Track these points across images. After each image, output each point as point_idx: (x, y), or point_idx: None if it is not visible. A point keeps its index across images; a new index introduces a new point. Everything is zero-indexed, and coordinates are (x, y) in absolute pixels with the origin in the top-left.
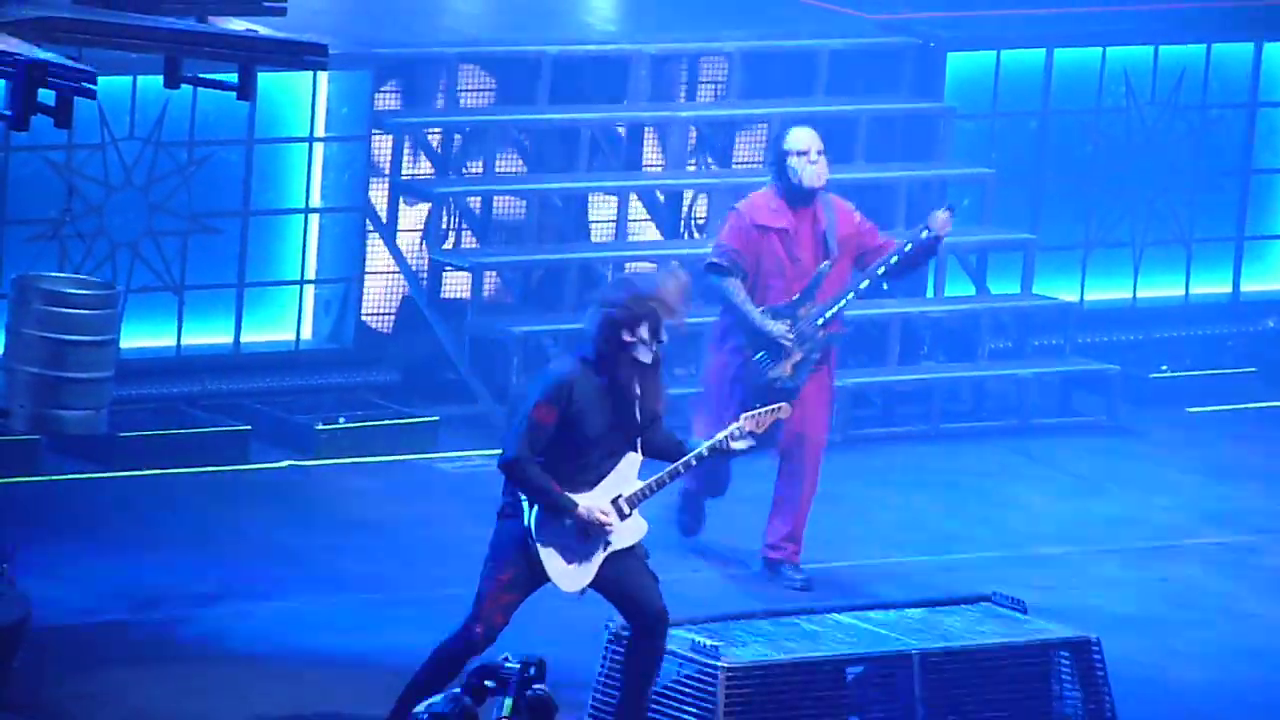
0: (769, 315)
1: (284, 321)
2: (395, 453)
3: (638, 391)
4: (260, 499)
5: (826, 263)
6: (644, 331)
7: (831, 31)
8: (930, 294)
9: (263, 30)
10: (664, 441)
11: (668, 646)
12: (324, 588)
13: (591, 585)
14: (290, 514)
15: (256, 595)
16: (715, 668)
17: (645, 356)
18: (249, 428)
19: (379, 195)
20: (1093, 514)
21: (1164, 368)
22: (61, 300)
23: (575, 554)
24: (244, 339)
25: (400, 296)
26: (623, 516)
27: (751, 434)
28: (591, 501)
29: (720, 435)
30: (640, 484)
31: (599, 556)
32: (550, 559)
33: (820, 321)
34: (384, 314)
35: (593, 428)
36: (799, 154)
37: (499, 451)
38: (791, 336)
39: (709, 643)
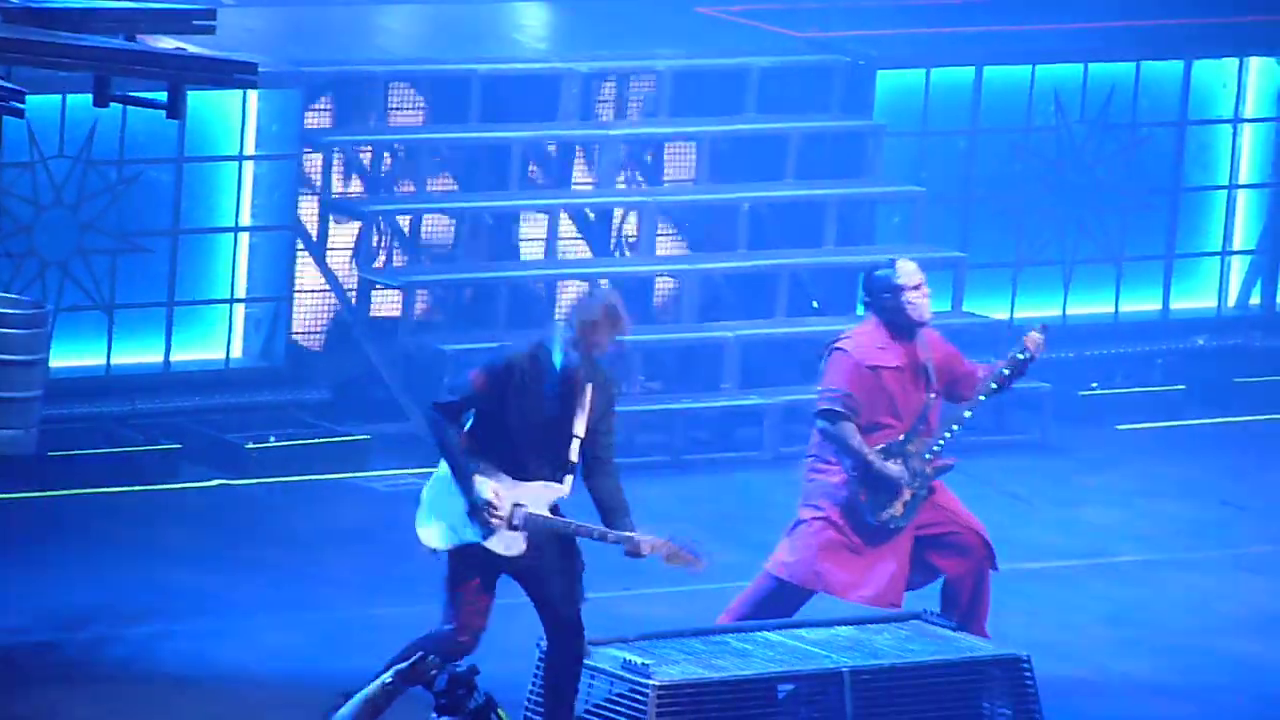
0: (882, 455)
1: (214, 340)
2: (326, 471)
3: (580, 427)
4: (191, 518)
5: (932, 395)
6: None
7: (761, 49)
8: (860, 311)
9: (192, 49)
10: (609, 495)
11: (599, 665)
12: (254, 607)
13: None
14: (221, 533)
15: (186, 614)
16: (647, 686)
17: (585, 378)
18: (179, 447)
19: (309, 214)
20: (1023, 532)
21: (1094, 385)
22: None
23: (451, 514)
24: (174, 358)
25: (331, 315)
26: (511, 526)
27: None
28: (497, 485)
29: (642, 541)
30: (548, 514)
31: (468, 536)
32: (427, 523)
33: (928, 456)
34: (315, 332)
35: (524, 417)
36: (914, 288)
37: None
38: (909, 480)
39: (640, 661)
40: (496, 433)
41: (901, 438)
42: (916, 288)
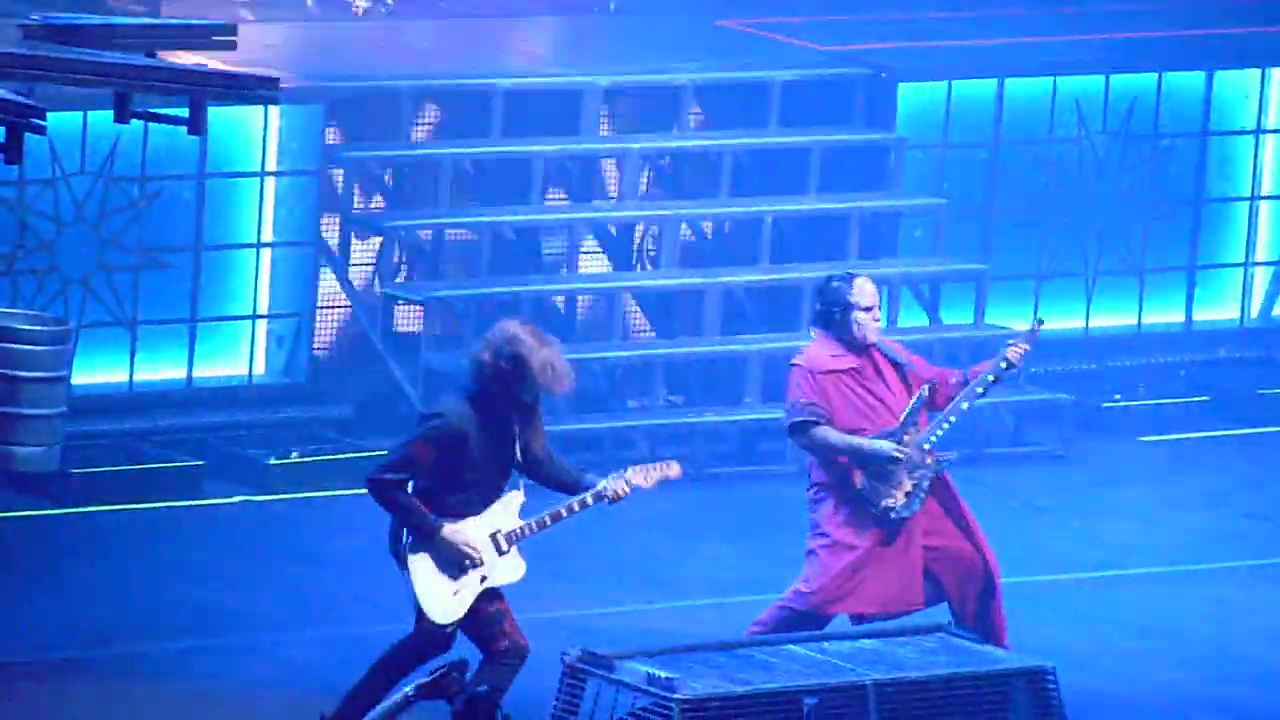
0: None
1: (236, 356)
2: (349, 487)
3: (517, 430)
4: (213, 534)
5: (926, 387)
6: (528, 382)
7: (783, 63)
8: (883, 324)
9: (213, 65)
10: (561, 473)
11: (623, 679)
12: (276, 623)
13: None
14: (243, 550)
15: (209, 630)
16: (671, 700)
17: (527, 397)
18: (202, 463)
19: (331, 229)
20: (1046, 543)
21: (1117, 397)
22: (13, 336)
23: (448, 586)
24: (196, 374)
25: (353, 330)
26: (500, 552)
27: (638, 487)
28: (462, 528)
29: (605, 484)
30: (520, 522)
31: (473, 590)
32: (425, 588)
33: (926, 446)
34: (337, 348)
35: (474, 462)
36: (864, 309)
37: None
38: (903, 452)
39: (665, 675)
40: (447, 484)
41: (895, 428)
42: (868, 309)
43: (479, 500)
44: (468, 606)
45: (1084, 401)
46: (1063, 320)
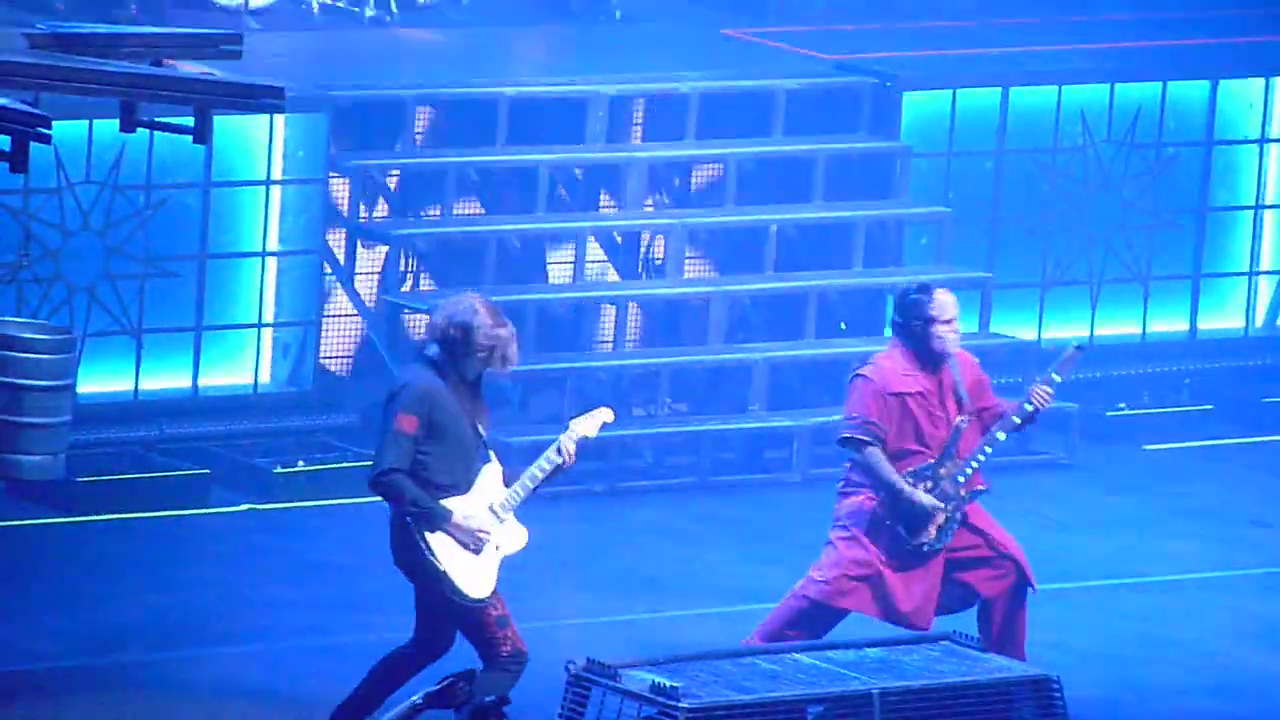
0: (912, 479)
1: (242, 365)
2: (355, 496)
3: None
4: (219, 543)
5: (963, 418)
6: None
7: (788, 72)
8: (888, 333)
9: (218, 73)
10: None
11: (628, 688)
12: (283, 631)
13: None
14: (250, 558)
15: (216, 639)
16: (676, 708)
17: (469, 372)
18: (208, 472)
19: (336, 238)
20: (1051, 551)
21: (1122, 405)
22: (18, 345)
23: (472, 562)
24: (202, 383)
25: (359, 339)
26: (500, 520)
27: (585, 436)
28: (467, 507)
29: (560, 442)
30: (507, 490)
31: (494, 560)
32: (454, 570)
33: (960, 480)
34: (342, 357)
35: (455, 432)
36: (945, 322)
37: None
38: (941, 506)
39: (669, 684)
40: (434, 459)
41: (933, 461)
42: (948, 322)
43: (464, 474)
44: (495, 577)
45: (1089, 410)
46: (1068, 329)
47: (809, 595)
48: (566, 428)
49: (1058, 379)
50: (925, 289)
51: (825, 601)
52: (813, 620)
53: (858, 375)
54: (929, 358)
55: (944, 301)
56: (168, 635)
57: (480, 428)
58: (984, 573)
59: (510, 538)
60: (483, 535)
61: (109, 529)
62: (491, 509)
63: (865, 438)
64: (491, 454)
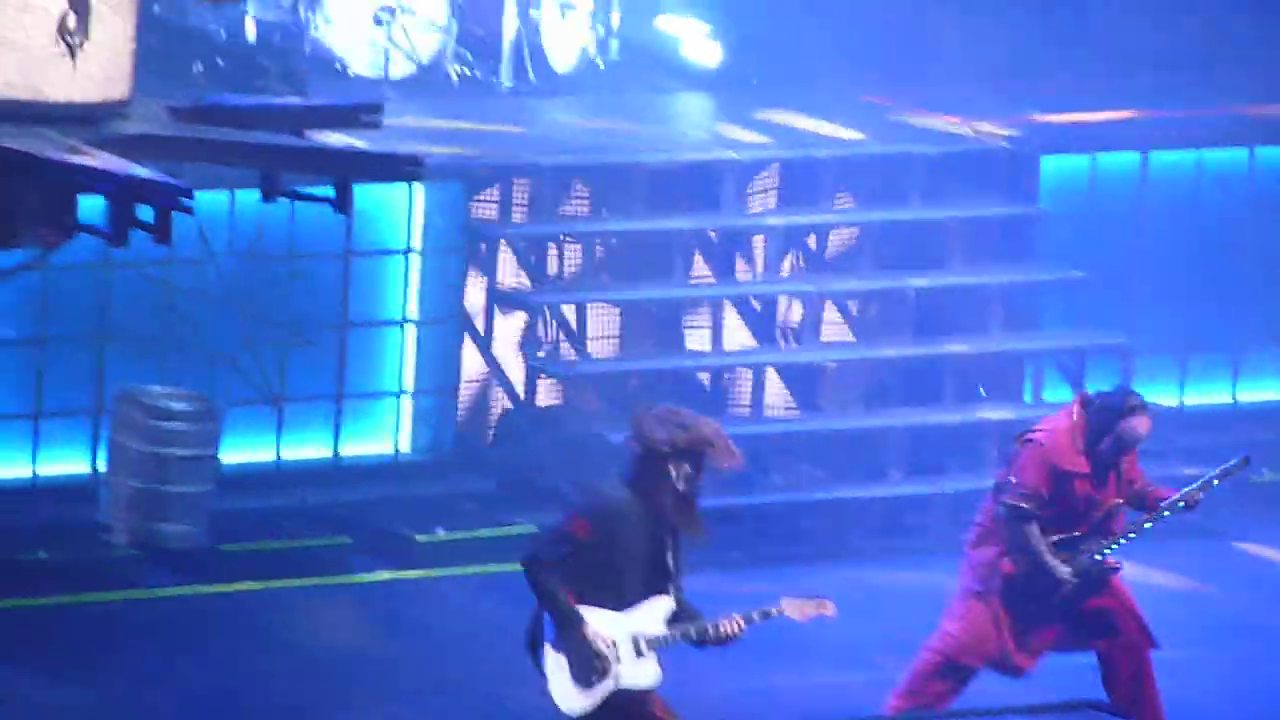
0: (1055, 549)
1: (382, 432)
2: (495, 563)
3: (670, 540)
4: (361, 610)
5: (1120, 501)
6: (686, 468)
7: (925, 137)
8: (1028, 399)
9: (359, 143)
10: (682, 605)
11: None
12: (425, 694)
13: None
14: (391, 625)
15: (359, 708)
16: None
17: (681, 486)
18: (349, 540)
19: (476, 305)
20: (1197, 616)
21: (1265, 472)
22: (162, 414)
23: (579, 676)
24: (343, 450)
25: (498, 406)
26: (638, 654)
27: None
28: (605, 627)
29: (754, 613)
30: (664, 630)
31: (604, 687)
32: (555, 673)
33: (1099, 557)
34: (482, 424)
35: (627, 551)
36: (1128, 449)
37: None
38: (1077, 581)
39: None
40: (598, 569)
41: (1079, 535)
42: (1135, 448)
43: (626, 596)
44: (596, 705)
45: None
46: (1209, 395)
47: (941, 649)
48: (778, 602)
49: (1216, 484)
50: (1142, 408)
51: (955, 656)
52: (947, 673)
53: (1031, 440)
54: (1100, 452)
55: (1141, 430)
56: (310, 704)
57: (671, 560)
58: (1102, 627)
59: (637, 674)
60: (597, 661)
61: (251, 598)
62: (635, 638)
63: (1028, 508)
64: (671, 590)
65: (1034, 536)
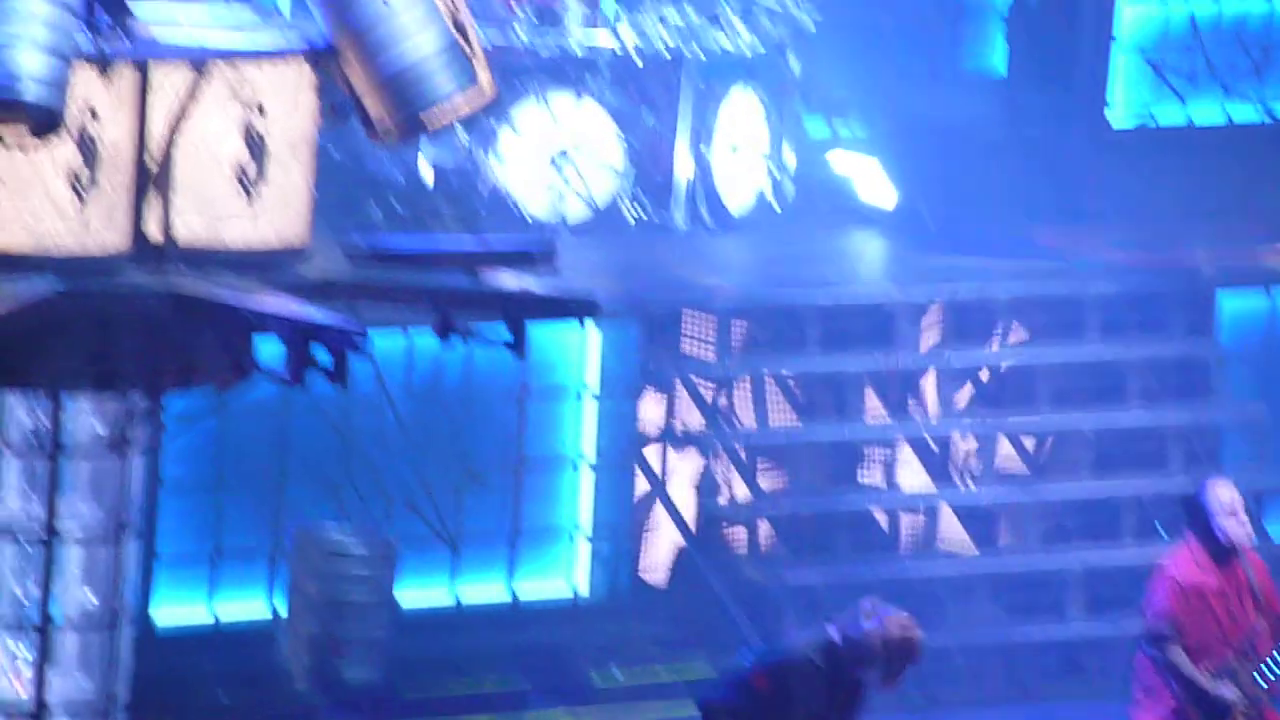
0: (1212, 676)
1: (560, 574)
2: (673, 707)
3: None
4: None
5: (1260, 619)
6: (874, 669)
7: (1100, 273)
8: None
9: (533, 285)
10: None
11: None
12: None
13: None
14: None
15: None
16: None
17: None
18: (530, 687)
19: (651, 447)
20: None
21: None
22: (340, 557)
23: None
24: (520, 593)
25: (675, 548)
26: None
27: None
28: None
29: None
30: None
31: None
32: None
33: (1257, 677)
34: (659, 566)
35: (807, 711)
36: (1228, 515)
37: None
38: (1243, 701)
39: None
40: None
41: (1231, 657)
42: (1232, 514)
43: None
44: None
45: None
46: None
47: None
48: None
49: None
50: (1204, 484)
51: None
52: None
53: (1160, 567)
54: (1219, 553)
55: (1221, 496)
56: None
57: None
58: None
59: None
60: None
61: None
62: None
63: (1168, 634)
64: None
65: (1182, 660)
